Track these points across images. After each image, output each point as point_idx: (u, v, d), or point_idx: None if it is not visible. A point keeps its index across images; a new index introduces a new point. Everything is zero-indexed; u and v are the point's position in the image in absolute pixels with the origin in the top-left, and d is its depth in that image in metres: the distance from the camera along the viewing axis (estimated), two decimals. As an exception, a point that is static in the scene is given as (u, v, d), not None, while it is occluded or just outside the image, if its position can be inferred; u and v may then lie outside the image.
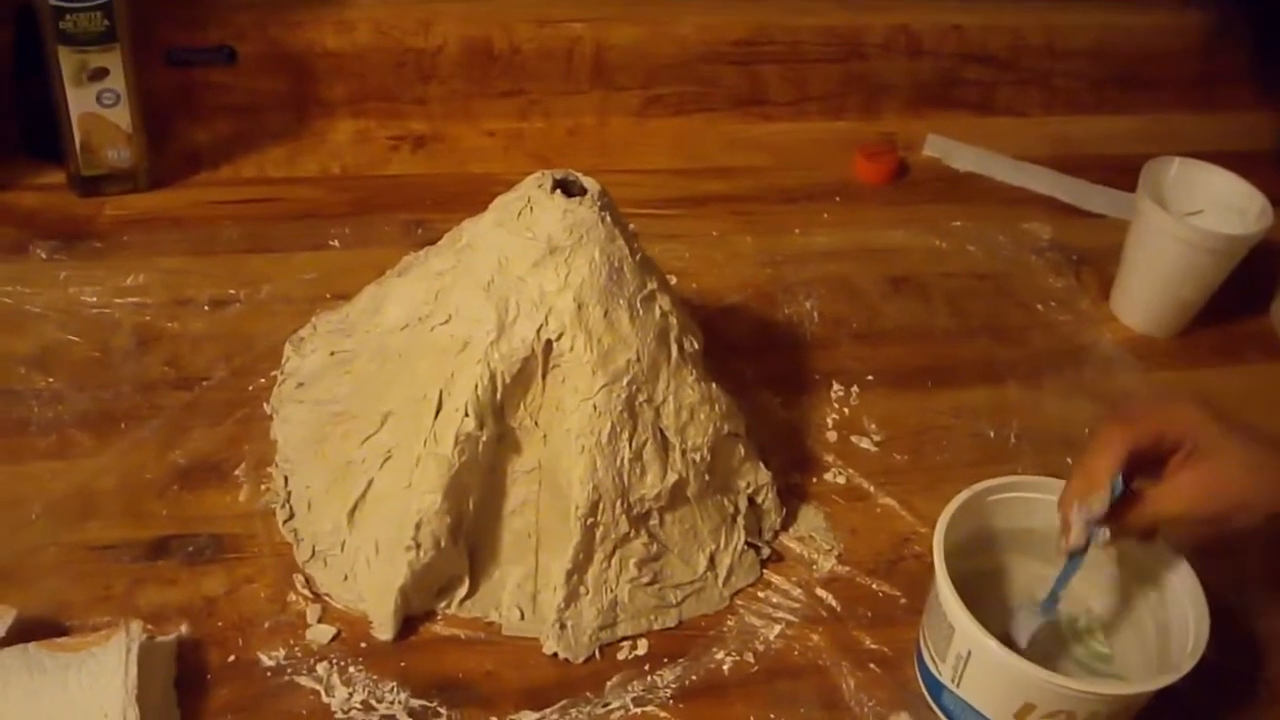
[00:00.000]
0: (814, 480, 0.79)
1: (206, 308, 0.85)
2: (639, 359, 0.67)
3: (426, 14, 1.05)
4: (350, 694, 0.63)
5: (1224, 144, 1.13)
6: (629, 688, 0.65)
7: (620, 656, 0.67)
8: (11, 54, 0.92)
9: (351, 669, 0.64)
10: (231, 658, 0.64)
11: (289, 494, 0.72)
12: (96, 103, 0.89)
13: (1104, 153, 1.16)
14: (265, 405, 0.78)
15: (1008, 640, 0.60)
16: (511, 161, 1.05)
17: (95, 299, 0.84)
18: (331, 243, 0.93)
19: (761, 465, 0.74)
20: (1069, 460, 0.82)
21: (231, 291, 0.87)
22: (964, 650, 0.61)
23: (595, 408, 0.66)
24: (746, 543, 0.72)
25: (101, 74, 0.88)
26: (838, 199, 1.06)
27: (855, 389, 0.86)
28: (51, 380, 0.78)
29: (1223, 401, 0.88)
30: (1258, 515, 0.63)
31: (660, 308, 0.70)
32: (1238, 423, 0.63)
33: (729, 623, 0.70)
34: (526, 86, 1.09)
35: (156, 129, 0.96)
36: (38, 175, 0.95)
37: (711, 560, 0.71)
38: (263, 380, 0.80)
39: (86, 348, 0.81)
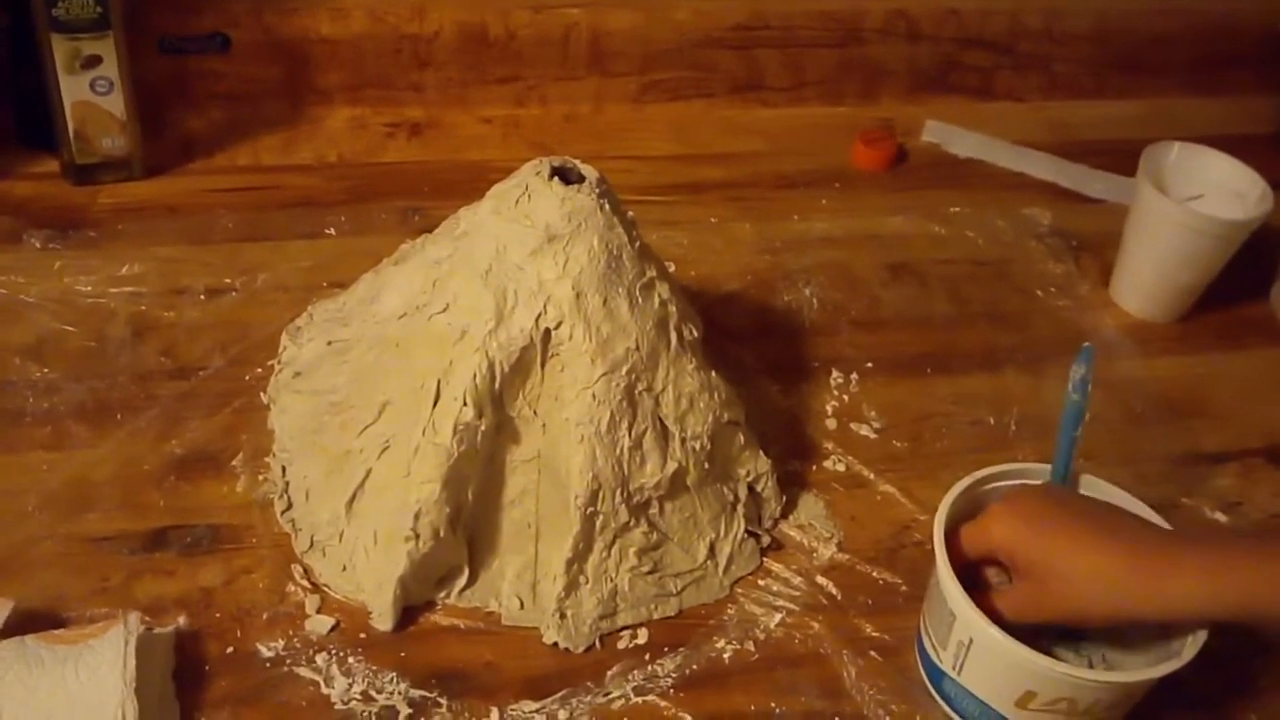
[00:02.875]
0: (814, 468, 0.79)
1: (202, 297, 0.85)
2: (638, 347, 0.67)
3: (421, 0, 1.04)
4: (350, 684, 0.63)
5: (1224, 128, 1.12)
6: (630, 677, 0.65)
7: (620, 646, 0.67)
8: (4, 42, 0.91)
9: (351, 659, 0.64)
10: (230, 649, 0.64)
11: (287, 484, 0.72)
12: (90, 90, 0.89)
13: (1103, 137, 1.16)
14: (262, 395, 0.78)
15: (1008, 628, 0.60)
16: (508, 148, 1.05)
17: (90, 288, 0.84)
18: (328, 231, 0.92)
19: (761, 453, 0.74)
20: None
21: (227, 280, 0.86)
22: (965, 638, 0.61)
23: (594, 396, 0.66)
24: (746, 531, 0.72)
25: (95, 61, 0.88)
26: (836, 185, 1.06)
27: (855, 376, 0.86)
28: (47, 371, 0.78)
29: (1224, 387, 0.89)
30: (1100, 620, 0.61)
31: (659, 296, 0.69)
32: (1071, 509, 0.62)
33: (729, 611, 0.69)
34: (523, 73, 1.08)
35: (150, 117, 0.96)
36: (31, 164, 0.94)
37: (711, 549, 0.71)
38: (259, 370, 0.79)
39: (82, 338, 0.80)
